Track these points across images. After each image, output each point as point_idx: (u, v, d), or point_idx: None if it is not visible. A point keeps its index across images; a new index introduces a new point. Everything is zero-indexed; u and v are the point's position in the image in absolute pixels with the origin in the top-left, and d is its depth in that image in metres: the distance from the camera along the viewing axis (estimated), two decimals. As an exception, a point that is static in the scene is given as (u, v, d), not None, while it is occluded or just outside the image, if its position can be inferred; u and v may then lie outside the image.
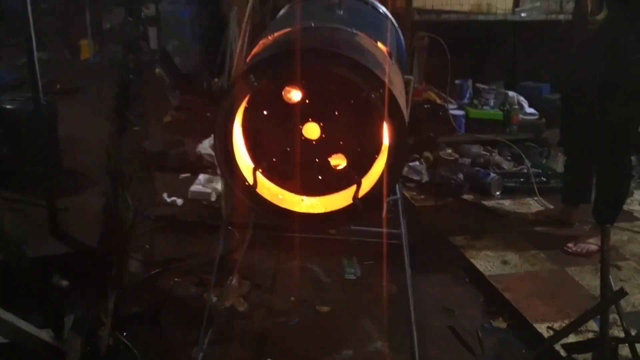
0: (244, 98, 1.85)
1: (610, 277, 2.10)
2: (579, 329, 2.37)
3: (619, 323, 2.15)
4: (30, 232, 2.81)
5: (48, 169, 2.99)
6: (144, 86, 5.86)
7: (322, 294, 2.67)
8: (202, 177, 3.55)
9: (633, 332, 2.23)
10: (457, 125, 3.92)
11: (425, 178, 3.59)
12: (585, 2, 2.68)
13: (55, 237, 2.83)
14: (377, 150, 1.97)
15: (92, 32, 6.31)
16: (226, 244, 2.89)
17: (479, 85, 4.05)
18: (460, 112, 3.97)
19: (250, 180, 1.98)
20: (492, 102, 3.98)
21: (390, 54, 2.09)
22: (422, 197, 3.50)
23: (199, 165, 3.79)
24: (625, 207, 3.39)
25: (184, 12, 5.62)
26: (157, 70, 5.32)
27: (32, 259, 2.60)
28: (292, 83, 1.88)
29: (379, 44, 2.07)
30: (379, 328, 2.45)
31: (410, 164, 3.71)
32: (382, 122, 1.87)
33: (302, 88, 1.92)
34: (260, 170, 2.03)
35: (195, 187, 3.46)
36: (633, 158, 3.92)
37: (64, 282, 2.55)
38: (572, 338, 2.31)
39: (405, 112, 1.99)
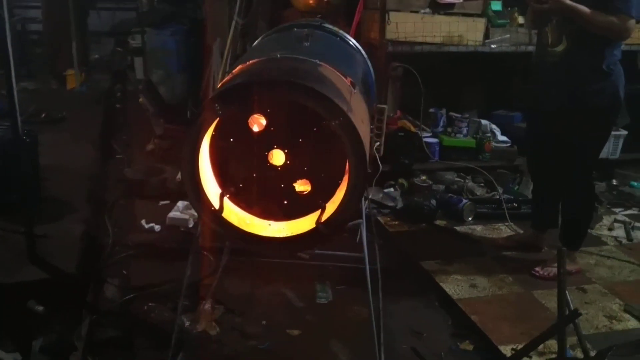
0: (210, 125, 1.93)
1: (569, 298, 2.16)
2: (542, 351, 2.44)
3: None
4: (8, 258, 2.83)
5: (27, 196, 3.04)
6: (129, 115, 5.98)
7: (293, 318, 2.71)
8: (180, 204, 3.60)
9: (592, 353, 2.28)
10: (431, 152, 4.02)
11: (400, 204, 3.66)
12: (546, 35, 2.81)
13: (33, 263, 2.86)
14: (341, 176, 2.06)
15: (79, 62, 6.40)
16: (199, 268, 2.95)
17: (452, 114, 4.16)
18: (434, 140, 4.07)
19: (217, 206, 2.05)
20: (465, 130, 4.08)
21: (353, 84, 2.18)
22: (396, 222, 3.57)
23: (179, 192, 3.84)
24: (594, 232, 3.50)
25: (169, 43, 5.73)
26: (140, 99, 5.41)
27: (8, 285, 2.65)
28: (255, 111, 1.97)
29: (341, 75, 2.17)
30: (348, 351, 2.50)
31: (385, 190, 3.80)
32: (344, 149, 1.96)
33: (266, 116, 2.01)
34: (227, 195, 2.10)
35: (173, 214, 3.51)
36: (603, 184, 4.06)
37: (40, 307, 2.59)
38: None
39: (366, 139, 2.08)
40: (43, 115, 5.11)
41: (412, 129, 3.99)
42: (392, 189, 3.81)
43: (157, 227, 3.47)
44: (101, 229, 3.55)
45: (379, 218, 3.59)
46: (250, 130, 2.03)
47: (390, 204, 3.67)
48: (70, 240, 3.01)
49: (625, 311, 2.72)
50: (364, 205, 2.41)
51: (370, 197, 3.67)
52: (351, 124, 1.89)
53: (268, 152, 2.07)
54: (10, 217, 3.06)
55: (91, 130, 4.93)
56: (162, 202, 3.77)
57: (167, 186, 3.86)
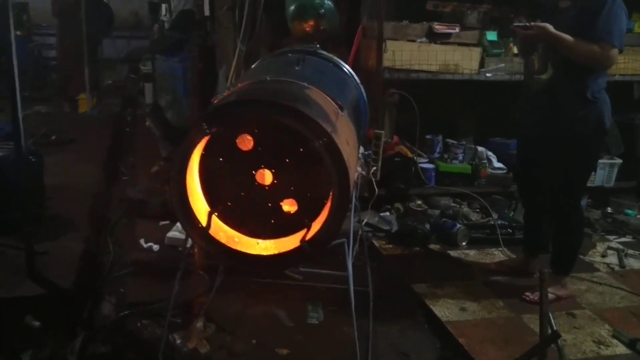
0: (197, 144, 2.01)
1: (552, 320, 2.18)
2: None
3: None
4: (8, 274, 2.90)
5: (28, 214, 3.12)
6: (138, 138, 6.11)
7: (283, 337, 2.74)
8: (180, 224, 3.66)
9: (576, 376, 2.30)
10: (427, 178, 4.08)
11: (395, 228, 3.71)
12: (532, 63, 2.88)
13: (32, 279, 2.92)
14: (327, 196, 2.11)
15: (91, 87, 6.58)
16: (193, 287, 3.00)
17: (448, 140, 4.22)
18: (430, 166, 4.13)
19: (205, 223, 2.12)
20: (461, 157, 4.14)
21: (341, 107, 2.25)
22: (390, 246, 3.61)
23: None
24: (587, 258, 3.52)
25: (177, 69, 5.89)
26: (147, 122, 5.54)
27: (6, 299, 2.71)
28: (242, 131, 2.04)
29: (329, 98, 2.24)
30: (335, 371, 2.53)
31: (381, 214, 3.85)
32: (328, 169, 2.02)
33: (254, 136, 2.09)
34: (215, 213, 2.17)
35: (172, 234, 3.58)
36: (598, 212, 4.09)
37: (36, 323, 2.65)
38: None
39: (351, 161, 2.14)
40: (53, 137, 5.25)
41: (409, 154, 4.05)
42: (388, 213, 3.86)
43: (156, 247, 3.53)
44: (101, 247, 3.62)
45: (373, 241, 3.63)
46: (239, 150, 2.11)
47: (386, 227, 3.71)
48: (70, 258, 3.08)
49: (614, 337, 2.73)
50: (352, 225, 2.47)
51: (366, 220, 3.72)
52: (334, 145, 1.95)
53: (256, 171, 2.14)
54: (12, 234, 3.14)
55: (99, 152, 5.04)
56: (162, 222, 3.84)
57: (167, 206, 3.93)
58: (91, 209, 3.81)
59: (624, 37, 2.72)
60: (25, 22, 7.91)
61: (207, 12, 6.45)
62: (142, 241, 3.57)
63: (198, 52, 6.13)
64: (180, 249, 3.57)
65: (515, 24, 2.75)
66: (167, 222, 3.83)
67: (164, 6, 7.82)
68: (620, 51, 2.70)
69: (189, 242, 3.49)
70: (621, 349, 2.66)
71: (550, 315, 2.15)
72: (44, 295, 2.84)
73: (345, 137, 2.14)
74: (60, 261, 3.05)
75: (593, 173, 3.92)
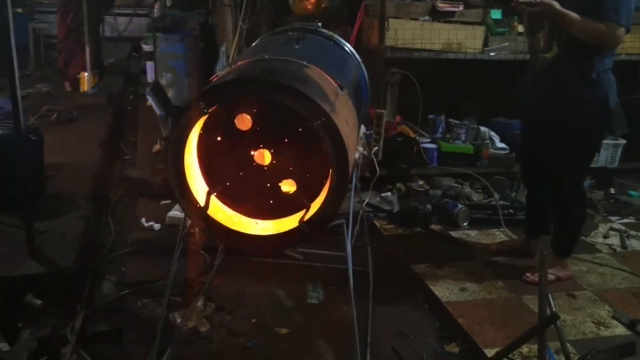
0: (195, 123, 1.99)
1: (551, 301, 2.17)
2: (527, 355, 2.45)
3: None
4: (8, 252, 2.90)
5: (29, 193, 3.12)
6: (140, 117, 6.08)
7: (283, 317, 2.75)
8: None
9: (575, 358, 2.30)
10: (429, 158, 4.05)
11: (396, 208, 3.69)
12: (538, 41, 2.84)
13: (33, 257, 2.93)
14: (326, 177, 2.09)
15: (92, 65, 6.54)
16: (193, 266, 3.00)
17: (451, 120, 4.18)
18: (433, 146, 4.10)
19: (203, 203, 2.10)
20: (463, 137, 4.11)
21: (341, 86, 2.22)
22: (392, 226, 3.59)
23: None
24: (588, 239, 3.50)
25: (178, 48, 5.84)
26: (148, 101, 5.50)
27: (7, 278, 2.72)
28: (239, 110, 2.02)
29: (329, 77, 2.21)
30: (333, 351, 2.53)
31: (383, 194, 3.83)
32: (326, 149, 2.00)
33: (252, 116, 2.07)
34: (214, 193, 2.16)
35: (173, 213, 3.58)
36: (601, 193, 4.06)
37: (37, 301, 2.65)
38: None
39: (350, 140, 2.12)
40: (54, 115, 5.24)
41: (411, 134, 4.03)
42: (389, 193, 3.84)
43: (157, 226, 3.54)
44: (102, 226, 3.62)
45: (374, 222, 3.62)
46: (237, 129, 2.09)
47: (387, 208, 3.70)
48: (70, 236, 3.08)
49: (614, 318, 2.73)
50: (352, 205, 2.45)
51: (367, 200, 3.71)
52: (333, 124, 1.93)
53: (255, 151, 2.12)
54: (13, 212, 3.14)
55: (100, 131, 5.03)
56: (163, 202, 3.84)
57: (169, 185, 3.92)
58: (92, 187, 3.81)
59: (631, 17, 2.66)
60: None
61: (208, -11, 6.39)
62: (143, 220, 3.58)
63: (199, 30, 6.09)
64: (180, 228, 3.60)
65: (520, 1, 2.69)
66: (168, 201, 3.83)
67: (165, -17, 7.72)
68: (628, 30, 2.64)
69: (188, 222, 3.53)
70: (621, 330, 2.66)
71: (550, 296, 2.13)
72: (45, 273, 2.85)
73: (344, 116, 2.12)
74: (61, 240, 3.05)
75: (597, 154, 3.88)
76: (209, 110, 1.93)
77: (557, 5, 2.62)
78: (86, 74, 6.42)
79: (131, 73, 7.91)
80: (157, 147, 4.88)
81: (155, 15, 7.45)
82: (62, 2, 6.58)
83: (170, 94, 5.89)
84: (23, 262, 2.82)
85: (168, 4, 7.04)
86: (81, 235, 3.15)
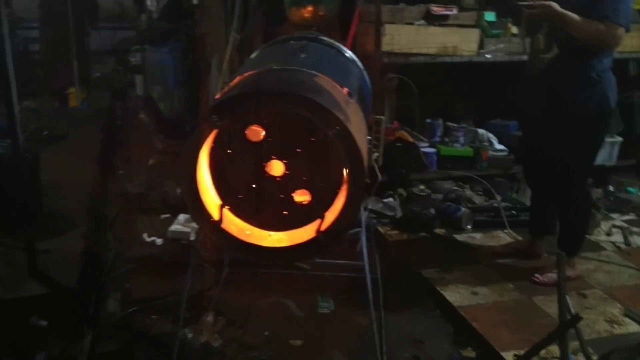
0: (207, 137, 1.96)
1: (569, 302, 2.17)
2: (545, 357, 2.45)
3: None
4: (9, 274, 2.85)
5: (27, 213, 3.06)
6: (130, 131, 6.03)
7: (295, 328, 2.72)
8: (182, 216, 3.62)
9: (594, 358, 2.30)
10: (429, 162, 4.05)
11: (399, 214, 3.68)
12: (537, 42, 2.85)
13: (34, 278, 2.88)
14: (339, 185, 2.07)
15: (80, 80, 6.46)
16: (201, 281, 2.96)
17: (449, 123, 4.19)
18: (431, 150, 4.11)
19: (217, 217, 2.07)
20: (462, 140, 4.12)
21: (350, 94, 2.21)
22: (396, 232, 3.59)
23: (180, 206, 3.87)
24: (592, 238, 3.52)
25: (167, 60, 5.79)
26: (141, 115, 5.46)
27: (10, 300, 2.66)
28: (252, 122, 1.99)
29: (338, 85, 2.20)
30: (349, 360, 2.51)
31: (384, 200, 3.82)
32: (341, 158, 1.98)
33: (264, 127, 2.04)
34: (227, 207, 2.13)
35: (175, 227, 3.53)
36: (600, 191, 4.09)
37: (42, 322, 2.60)
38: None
39: (363, 148, 2.10)
40: (45, 133, 5.16)
41: (410, 139, 4.02)
42: (391, 199, 3.83)
43: (159, 241, 3.49)
44: (102, 244, 3.57)
45: (378, 228, 3.61)
46: (249, 141, 2.06)
47: (390, 213, 3.69)
48: (71, 256, 3.03)
49: (626, 315, 2.74)
50: (363, 214, 2.43)
51: (369, 207, 3.69)
52: (348, 133, 1.91)
53: (266, 163, 2.09)
54: (12, 233, 3.09)
55: (92, 147, 4.97)
56: (163, 216, 3.79)
57: (168, 200, 3.88)
58: (89, 205, 3.75)
59: (630, 16, 2.68)
60: (8, 15, 7.74)
61: (195, 0, 6.35)
62: (144, 235, 3.53)
63: (187, 42, 6.04)
64: (183, 242, 3.56)
65: (520, 2, 2.70)
66: (167, 215, 3.79)
67: (149, -5, 7.67)
68: (627, 30, 2.66)
69: (192, 236, 3.49)
70: (634, 327, 2.67)
71: (567, 297, 2.13)
72: (48, 294, 2.80)
73: (357, 125, 2.10)
74: (62, 259, 3.00)
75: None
76: (222, 124, 1.90)
77: (556, 7, 2.63)
78: (74, 89, 6.35)
79: (118, 87, 7.84)
80: (152, 161, 4.83)
81: (142, 28, 7.39)
82: (42, 16, 6.52)
83: (161, 107, 5.85)
84: (26, 284, 2.77)
85: (155, 15, 6.99)
86: (82, 253, 3.11)
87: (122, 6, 9.40)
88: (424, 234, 3.56)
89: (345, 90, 2.21)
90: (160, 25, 6.41)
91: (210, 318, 2.73)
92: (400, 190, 3.85)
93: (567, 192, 2.96)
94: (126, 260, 3.30)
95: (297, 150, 2.07)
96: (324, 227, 2.05)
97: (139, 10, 8.21)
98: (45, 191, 3.58)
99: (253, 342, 2.61)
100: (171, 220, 3.67)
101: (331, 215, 2.09)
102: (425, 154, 4.04)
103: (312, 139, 2.02)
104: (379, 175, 3.77)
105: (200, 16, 5.94)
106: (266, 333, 2.66)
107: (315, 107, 1.89)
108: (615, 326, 2.66)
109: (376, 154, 3.84)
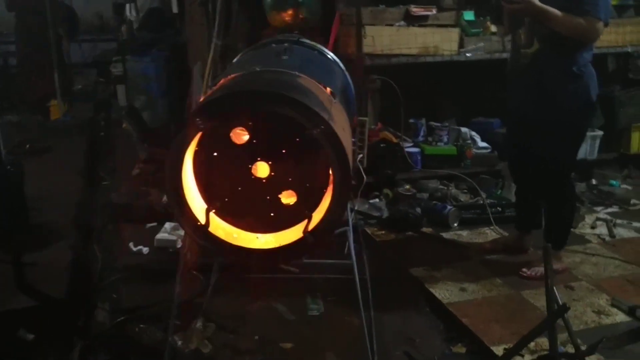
0: (192, 140, 1.95)
1: (556, 294, 2.18)
2: (534, 350, 2.46)
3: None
4: (-4, 287, 2.82)
5: (13, 226, 3.04)
6: (114, 142, 6.00)
7: (286, 331, 2.71)
8: (168, 225, 3.61)
9: (583, 348, 2.31)
10: (414, 162, 4.08)
11: (386, 214, 3.69)
12: (519, 37, 2.89)
13: (22, 291, 2.85)
14: (326, 185, 2.08)
15: (62, 92, 6.43)
16: (189, 288, 2.95)
17: (432, 123, 4.22)
18: (416, 150, 4.13)
19: (203, 221, 2.07)
20: (445, 139, 4.15)
21: (333, 94, 2.22)
22: (383, 232, 3.60)
23: (166, 214, 3.85)
24: (577, 231, 3.55)
25: (150, 69, 5.79)
26: (124, 125, 5.44)
27: (-3, 314, 2.64)
28: (236, 124, 1.99)
29: (322, 85, 2.21)
30: (341, 361, 2.51)
31: (371, 201, 3.83)
32: (327, 157, 1.98)
33: (248, 129, 2.04)
34: (213, 210, 2.12)
35: (161, 235, 3.52)
36: (583, 185, 4.13)
37: (30, 335, 2.58)
38: (528, 358, 2.40)
39: (348, 147, 2.11)
40: (27, 146, 5.12)
41: (394, 139, 4.05)
42: (377, 200, 3.85)
43: (146, 250, 3.47)
44: (90, 255, 3.54)
45: (365, 229, 3.61)
46: (233, 143, 2.06)
47: (376, 214, 3.70)
48: (58, 267, 3.01)
49: (613, 306, 2.76)
50: (350, 214, 2.44)
51: (356, 208, 3.70)
52: (333, 132, 1.92)
53: (252, 165, 2.09)
54: (-2, 246, 3.06)
55: (76, 159, 4.94)
56: (149, 225, 3.77)
57: (154, 208, 3.86)
58: (75, 216, 3.73)
59: (610, 10, 2.73)
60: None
61: (175, 9, 6.35)
62: (131, 245, 3.51)
63: (170, 51, 6.04)
64: (170, 250, 3.54)
65: None
66: (154, 224, 3.77)
67: (128, 6, 7.66)
68: (606, 24, 2.71)
69: (179, 244, 3.48)
70: (621, 317, 2.69)
71: (555, 288, 2.15)
72: (36, 306, 2.78)
73: (341, 123, 2.11)
74: (49, 271, 2.98)
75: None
76: (207, 127, 1.90)
77: (537, 2, 2.67)
78: (56, 101, 6.31)
79: (100, 98, 7.80)
80: (136, 170, 4.81)
81: (123, 38, 7.38)
82: (17, 29, 6.49)
83: (145, 116, 5.84)
84: (13, 297, 2.74)
85: (135, 25, 6.98)
86: (70, 265, 3.08)
87: (102, 18, 9.38)
88: (411, 233, 3.57)
89: (329, 90, 2.22)
90: (141, 35, 6.42)
91: (199, 325, 2.71)
92: (387, 191, 3.87)
93: (552, 185, 2.99)
94: (113, 270, 3.28)
95: (283, 151, 2.08)
96: (311, 227, 2.05)
97: (119, 20, 8.21)
98: (30, 204, 3.56)
99: (244, 347, 2.60)
100: (157, 229, 3.65)
101: (318, 215, 2.09)
102: (410, 153, 4.07)
103: (297, 139, 2.03)
104: (364, 177, 3.80)
105: (183, 24, 5.94)
106: (256, 337, 2.65)
107: (299, 106, 1.89)
108: (603, 316, 2.69)
109: (360, 155, 3.86)
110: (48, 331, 2.61)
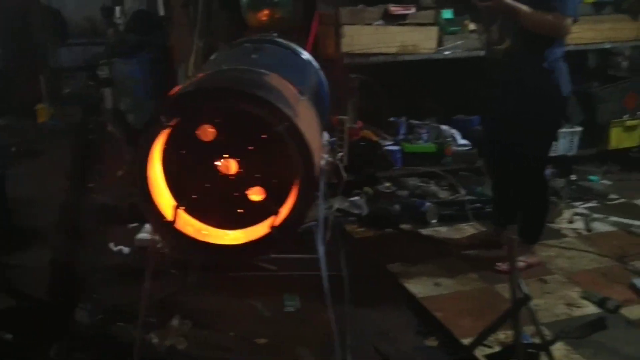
0: (157, 137, 1.98)
1: (522, 285, 2.22)
2: (504, 342, 2.49)
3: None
4: (-24, 289, 2.85)
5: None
6: (101, 144, 6.02)
7: (261, 327, 2.74)
8: (148, 225, 3.63)
9: (549, 338, 2.34)
10: (394, 160, 4.11)
11: (365, 211, 3.73)
12: (491, 34, 2.93)
13: (3, 292, 2.87)
14: (292, 181, 2.11)
15: (49, 95, 6.45)
16: (166, 285, 2.97)
17: (412, 121, 4.26)
18: (396, 148, 4.17)
19: (171, 218, 2.09)
20: (425, 137, 4.19)
21: (301, 92, 2.25)
22: (362, 229, 3.63)
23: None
24: (554, 225, 3.59)
25: (136, 72, 5.81)
26: (109, 127, 5.46)
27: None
28: (201, 121, 2.02)
29: (290, 83, 2.23)
30: (314, 355, 2.53)
31: (351, 199, 3.86)
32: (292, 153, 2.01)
33: (215, 126, 2.07)
34: (182, 207, 2.15)
35: (142, 235, 3.54)
36: (563, 180, 4.17)
37: (8, 335, 2.60)
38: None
39: (315, 144, 2.14)
40: (13, 149, 5.14)
41: (374, 138, 4.08)
42: (357, 198, 3.87)
43: (126, 250, 3.50)
44: (71, 255, 3.56)
45: (345, 226, 3.64)
46: (201, 141, 2.09)
47: (356, 211, 3.73)
48: (40, 268, 3.03)
49: (584, 298, 2.80)
50: (322, 208, 2.47)
51: (336, 206, 3.73)
52: (296, 129, 1.95)
53: (219, 161, 2.12)
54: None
55: (62, 162, 4.95)
56: (131, 225, 3.80)
57: (136, 209, 3.88)
58: (59, 218, 3.75)
59: (579, 7, 2.77)
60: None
61: (161, 12, 6.38)
62: (111, 245, 3.53)
63: (156, 53, 6.06)
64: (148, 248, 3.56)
65: None
66: (135, 224, 3.79)
67: (117, 9, 7.68)
68: (575, 20, 2.75)
69: (160, 244, 3.49)
70: (592, 309, 2.73)
71: (522, 280, 2.18)
72: (15, 307, 2.80)
73: (307, 120, 2.14)
74: (31, 272, 3.01)
75: (555, 142, 3.97)
76: (171, 124, 1.93)
77: None
78: (44, 105, 6.34)
79: (89, 102, 7.82)
80: (120, 172, 4.83)
81: (110, 41, 7.40)
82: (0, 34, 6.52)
83: (131, 118, 5.86)
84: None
85: (122, 28, 7.00)
86: (51, 266, 3.10)
87: (92, 21, 9.39)
88: (390, 230, 3.60)
89: (297, 88, 2.25)
90: (128, 38, 6.43)
91: (176, 322, 2.74)
92: (367, 189, 3.90)
93: (526, 180, 3.02)
94: (94, 271, 3.30)
95: (249, 148, 2.11)
96: (277, 222, 2.08)
97: (108, 24, 8.22)
98: (16, 206, 3.59)
99: (219, 343, 2.63)
100: (139, 229, 3.67)
101: (285, 210, 2.12)
102: (390, 152, 4.10)
103: (263, 136, 2.06)
104: (344, 175, 3.82)
105: (169, 27, 5.97)
106: (232, 334, 2.68)
107: (262, 103, 1.92)
108: (574, 308, 2.72)
109: (341, 154, 3.89)
110: (27, 332, 2.64)
